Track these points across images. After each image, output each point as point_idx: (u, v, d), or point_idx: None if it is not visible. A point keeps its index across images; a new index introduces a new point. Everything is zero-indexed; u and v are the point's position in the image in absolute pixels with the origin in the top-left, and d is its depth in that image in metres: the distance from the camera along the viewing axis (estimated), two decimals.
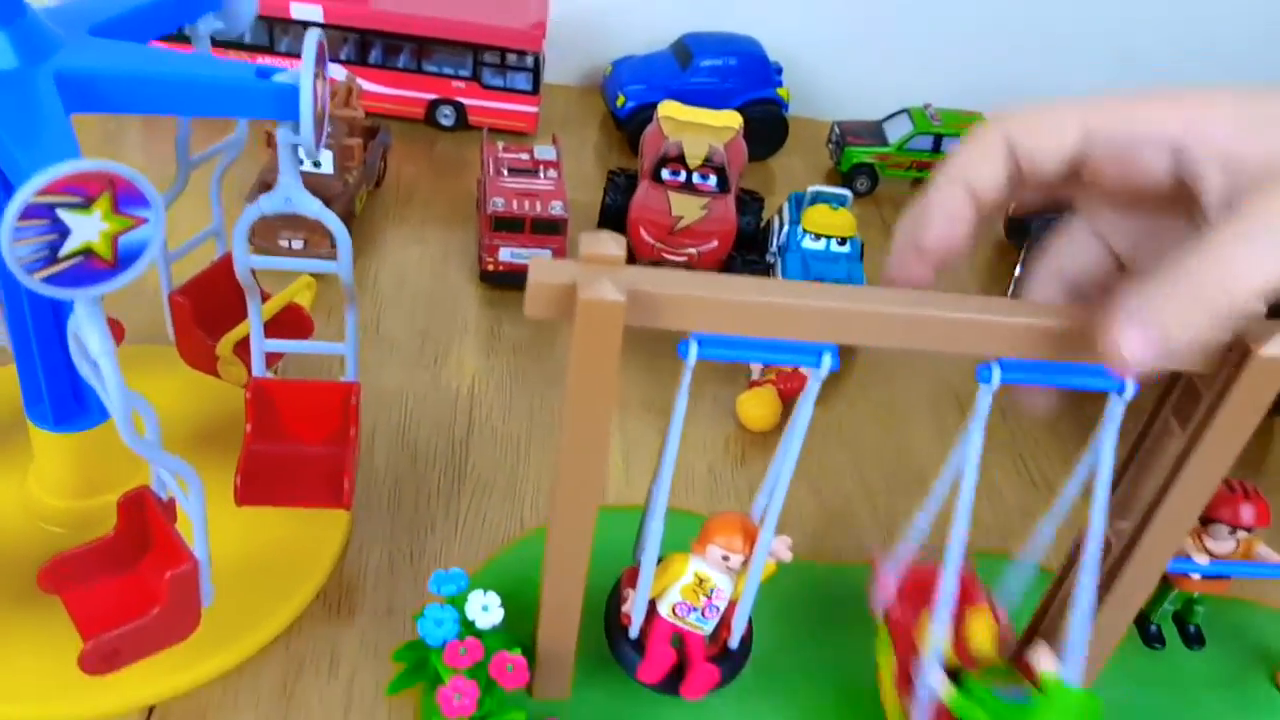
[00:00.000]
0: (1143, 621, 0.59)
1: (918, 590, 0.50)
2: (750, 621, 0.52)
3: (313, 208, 0.49)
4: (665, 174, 0.80)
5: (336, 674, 0.54)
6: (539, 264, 0.40)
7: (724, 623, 0.51)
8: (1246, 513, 0.53)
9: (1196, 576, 0.55)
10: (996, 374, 0.42)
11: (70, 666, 0.49)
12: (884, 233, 0.98)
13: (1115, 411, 0.43)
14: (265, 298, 0.58)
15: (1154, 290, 0.37)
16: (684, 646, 0.51)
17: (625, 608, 0.51)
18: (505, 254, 0.80)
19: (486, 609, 0.50)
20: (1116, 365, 0.38)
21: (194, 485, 0.46)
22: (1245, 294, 0.36)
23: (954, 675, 0.47)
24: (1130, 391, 0.43)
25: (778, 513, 0.47)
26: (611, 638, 0.52)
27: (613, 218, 0.84)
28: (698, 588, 0.50)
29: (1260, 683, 0.59)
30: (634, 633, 0.51)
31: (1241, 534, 0.54)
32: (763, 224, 0.85)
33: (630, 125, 1.01)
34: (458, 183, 0.95)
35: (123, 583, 0.50)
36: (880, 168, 1.02)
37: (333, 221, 0.49)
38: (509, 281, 0.82)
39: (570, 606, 0.49)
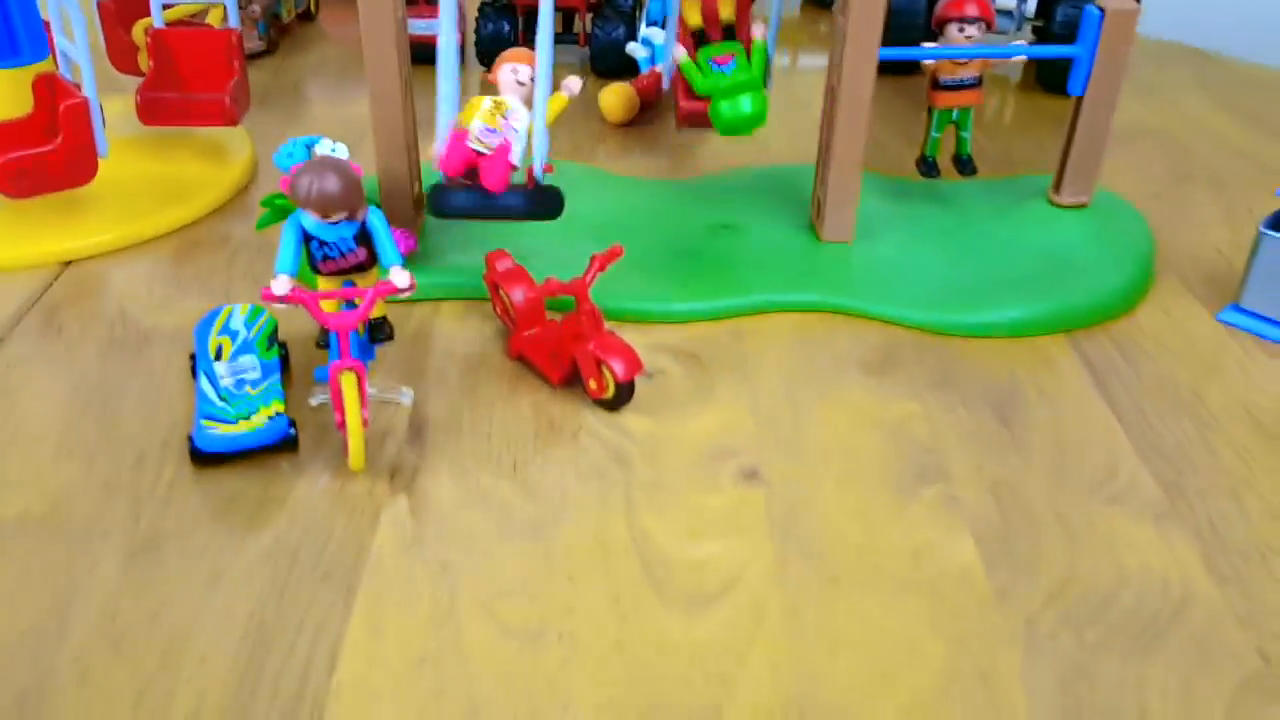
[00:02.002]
0: (921, 161, 0.67)
1: None
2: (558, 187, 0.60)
3: None
4: None
5: (225, 248, 0.65)
6: None
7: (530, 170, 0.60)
8: (970, 6, 0.61)
9: (938, 67, 0.63)
10: None
11: None
12: None
13: None
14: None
15: None
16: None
17: (430, 152, 0.60)
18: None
19: (335, 150, 0.60)
20: None
21: (79, 26, 0.58)
22: None
23: (702, 38, 0.62)
24: None
25: (550, 21, 0.56)
26: (428, 193, 0.61)
27: None
28: (495, 110, 0.59)
29: (1037, 205, 0.66)
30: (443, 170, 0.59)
31: (971, 31, 0.62)
32: None
33: None
34: None
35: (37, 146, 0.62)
36: None
37: None
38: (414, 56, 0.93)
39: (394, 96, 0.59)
